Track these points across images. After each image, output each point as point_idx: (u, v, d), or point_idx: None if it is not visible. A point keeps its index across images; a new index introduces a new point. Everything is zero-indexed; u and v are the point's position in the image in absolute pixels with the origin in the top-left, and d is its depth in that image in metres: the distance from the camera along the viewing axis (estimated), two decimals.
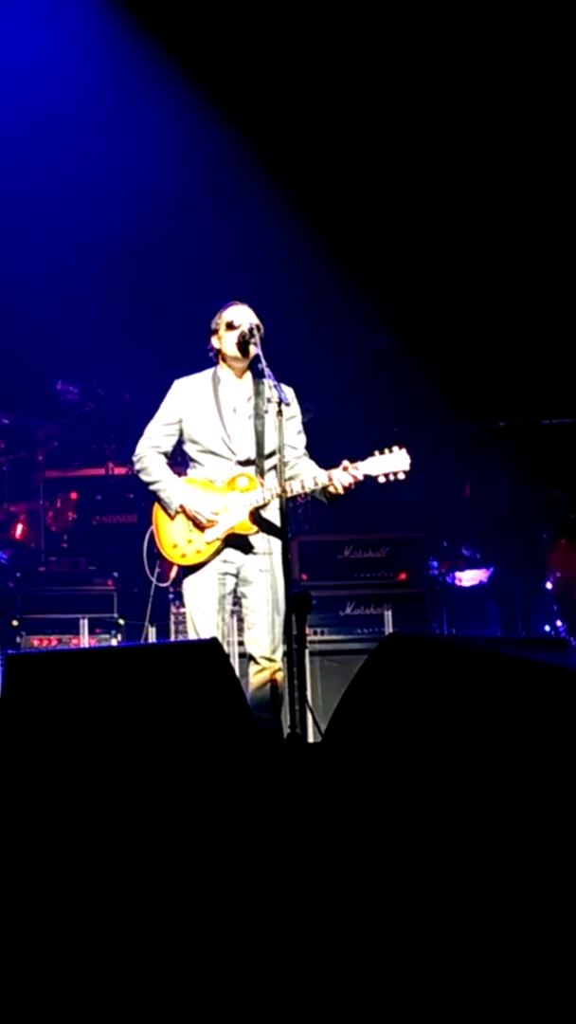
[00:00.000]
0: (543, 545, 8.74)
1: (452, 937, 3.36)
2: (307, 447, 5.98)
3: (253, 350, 5.77)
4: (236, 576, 5.80)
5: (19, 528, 8.64)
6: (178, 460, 6.06)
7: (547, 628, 8.52)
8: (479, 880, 3.42)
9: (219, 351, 5.91)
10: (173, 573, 5.96)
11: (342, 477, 5.67)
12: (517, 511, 9.15)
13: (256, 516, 5.74)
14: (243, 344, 5.78)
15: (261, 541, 5.77)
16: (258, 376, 5.84)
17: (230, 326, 5.83)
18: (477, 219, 9.51)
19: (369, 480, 5.70)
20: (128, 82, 9.01)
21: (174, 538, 5.83)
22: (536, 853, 3.42)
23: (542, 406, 9.13)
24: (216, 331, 5.90)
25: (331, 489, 5.69)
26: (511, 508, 9.22)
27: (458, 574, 8.74)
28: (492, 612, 8.70)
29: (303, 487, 5.71)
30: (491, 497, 9.37)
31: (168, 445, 5.94)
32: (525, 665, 3.77)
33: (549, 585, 8.58)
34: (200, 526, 5.76)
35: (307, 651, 5.69)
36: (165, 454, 5.95)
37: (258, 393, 5.85)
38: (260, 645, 5.73)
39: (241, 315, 5.83)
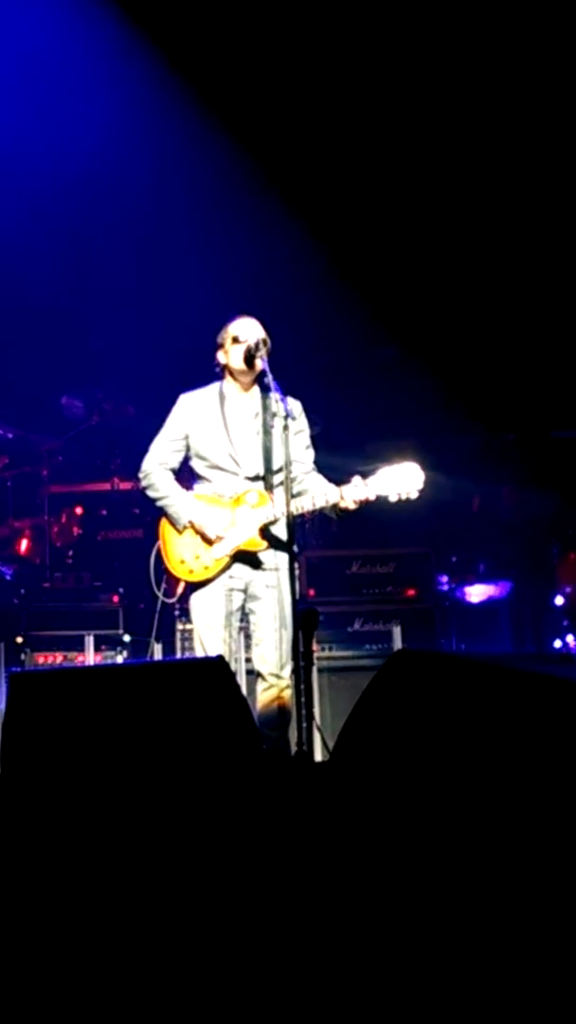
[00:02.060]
0: (553, 560, 8.70)
1: (458, 955, 3.32)
2: (315, 461, 5.94)
3: (259, 364, 5.72)
4: (244, 592, 5.76)
5: (24, 543, 8.61)
6: (185, 476, 6.02)
7: (557, 643, 8.48)
8: (489, 899, 3.38)
9: (225, 365, 5.87)
10: (180, 589, 5.92)
11: (353, 493, 5.63)
12: (526, 525, 9.11)
13: (265, 532, 5.70)
14: (249, 358, 5.74)
15: (269, 557, 5.73)
16: (265, 390, 5.79)
17: (236, 340, 5.78)
18: (485, 229, 9.49)
19: (381, 500, 5.65)
20: (137, 100, 9.03)
21: (182, 554, 5.79)
22: (548, 871, 3.38)
23: (552, 419, 9.10)
24: (222, 345, 5.85)
25: (342, 505, 5.64)
26: (520, 522, 9.18)
27: (467, 589, 8.70)
28: (502, 628, 8.65)
29: (314, 504, 5.66)
30: (500, 511, 9.33)
31: (175, 461, 5.90)
32: (535, 680, 3.73)
33: (559, 600, 8.55)
34: (209, 542, 5.72)
35: (315, 668, 5.63)
36: (172, 470, 5.90)
37: (265, 408, 5.80)
38: (268, 662, 5.69)
39: (247, 329, 5.79)
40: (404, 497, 5.65)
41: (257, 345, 5.69)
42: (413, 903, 3.42)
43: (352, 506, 5.64)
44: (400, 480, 5.64)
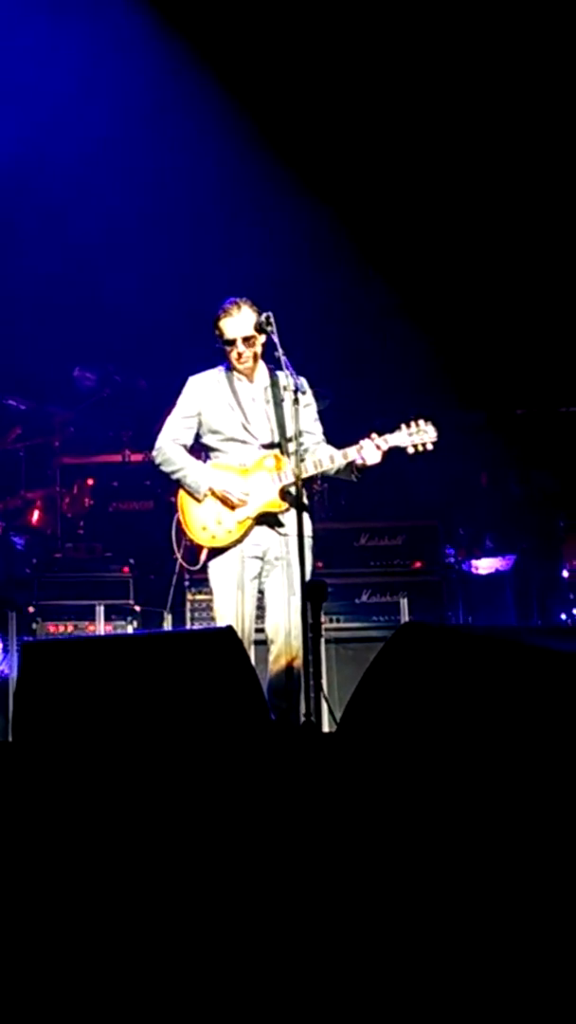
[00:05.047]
0: (560, 534, 8.72)
1: (464, 930, 3.35)
2: (324, 435, 5.99)
3: (257, 349, 5.81)
4: (261, 560, 5.81)
5: (36, 514, 8.64)
6: (197, 453, 6.06)
7: (563, 616, 8.50)
8: (495, 872, 3.41)
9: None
10: (203, 556, 5.93)
11: (372, 444, 5.72)
12: (534, 500, 9.13)
13: (285, 494, 5.76)
14: (260, 329, 5.77)
15: (289, 520, 5.75)
16: (276, 365, 5.85)
17: (223, 339, 5.86)
18: (495, 204, 9.46)
19: (397, 452, 5.77)
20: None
21: (203, 521, 5.83)
22: (555, 844, 3.41)
23: (560, 394, 9.10)
24: (218, 337, 5.92)
25: (361, 457, 5.70)
26: (528, 497, 9.20)
27: (474, 562, 8.72)
28: (508, 600, 8.68)
29: (332, 461, 5.75)
30: (508, 485, 9.35)
31: (188, 438, 5.96)
32: (541, 653, 3.76)
33: (565, 573, 8.57)
34: (231, 506, 5.77)
35: (323, 639, 5.68)
36: (184, 446, 5.96)
37: (274, 383, 5.89)
38: (279, 630, 5.74)
39: (232, 327, 5.83)
40: (421, 448, 5.79)
41: (267, 320, 5.73)
42: (418, 876, 3.45)
43: (371, 457, 5.71)
44: (416, 433, 5.79)
